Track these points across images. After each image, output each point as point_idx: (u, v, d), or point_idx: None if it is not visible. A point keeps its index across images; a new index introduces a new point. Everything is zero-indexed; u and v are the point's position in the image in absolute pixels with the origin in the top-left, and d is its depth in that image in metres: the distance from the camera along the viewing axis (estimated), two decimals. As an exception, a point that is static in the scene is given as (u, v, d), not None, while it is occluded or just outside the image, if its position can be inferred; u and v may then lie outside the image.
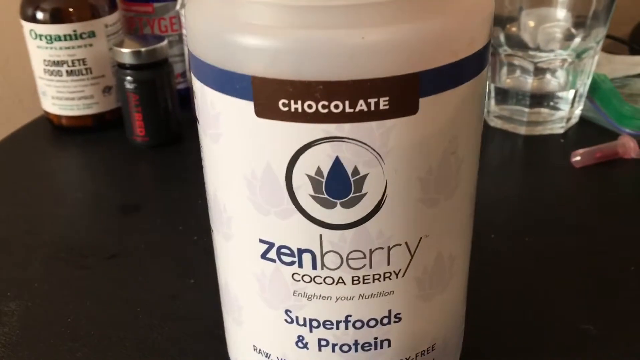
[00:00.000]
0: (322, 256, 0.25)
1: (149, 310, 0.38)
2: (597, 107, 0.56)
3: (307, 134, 0.23)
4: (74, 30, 0.54)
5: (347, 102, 0.22)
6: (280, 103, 0.23)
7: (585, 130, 0.57)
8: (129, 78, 0.53)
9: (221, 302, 0.31)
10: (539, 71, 0.54)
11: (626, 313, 0.36)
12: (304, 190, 0.24)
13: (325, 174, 0.24)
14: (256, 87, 0.23)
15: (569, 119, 0.56)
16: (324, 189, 0.24)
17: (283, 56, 0.22)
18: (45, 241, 0.45)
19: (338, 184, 0.24)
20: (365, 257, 0.25)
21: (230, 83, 0.24)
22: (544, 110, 0.56)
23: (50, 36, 0.54)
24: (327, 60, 0.22)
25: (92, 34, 0.55)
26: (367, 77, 0.22)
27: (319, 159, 0.24)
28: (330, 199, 0.24)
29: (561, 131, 0.56)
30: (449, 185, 0.25)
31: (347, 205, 0.24)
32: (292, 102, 0.23)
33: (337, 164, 0.24)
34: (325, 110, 0.23)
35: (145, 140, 0.55)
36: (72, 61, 0.55)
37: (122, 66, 0.53)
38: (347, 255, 0.25)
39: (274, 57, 0.22)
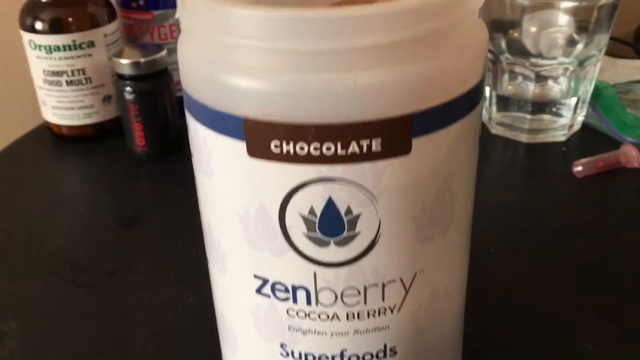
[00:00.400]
0: (317, 293, 0.25)
1: (148, 329, 0.38)
2: (600, 115, 0.56)
3: (300, 174, 0.23)
4: (73, 41, 0.54)
5: (339, 144, 0.22)
6: (272, 144, 0.23)
7: (588, 138, 0.56)
8: (128, 89, 0.53)
9: (218, 329, 0.31)
10: (541, 78, 0.54)
11: (628, 331, 0.36)
12: (297, 229, 0.24)
13: (319, 213, 0.24)
14: (248, 128, 0.23)
15: (571, 126, 0.56)
16: (317, 228, 0.24)
17: (275, 99, 0.22)
18: (45, 255, 0.45)
19: (331, 223, 0.24)
20: (359, 293, 0.25)
21: (222, 122, 0.23)
22: (546, 117, 0.55)
23: (50, 47, 0.54)
24: (318, 103, 0.22)
25: (91, 44, 0.55)
26: (360, 119, 0.22)
27: (312, 199, 0.23)
28: (324, 237, 0.24)
29: (563, 138, 0.56)
30: (443, 222, 0.25)
31: (340, 243, 0.24)
32: (284, 143, 0.23)
33: (330, 204, 0.23)
34: (317, 152, 0.22)
35: (145, 150, 0.55)
36: (72, 71, 0.55)
37: (121, 77, 0.53)
38: (342, 292, 0.25)
39: (265, 99, 0.22)
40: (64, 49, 0.54)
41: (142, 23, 0.59)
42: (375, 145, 0.22)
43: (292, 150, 0.23)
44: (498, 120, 0.57)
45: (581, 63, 0.53)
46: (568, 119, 0.55)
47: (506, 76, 0.55)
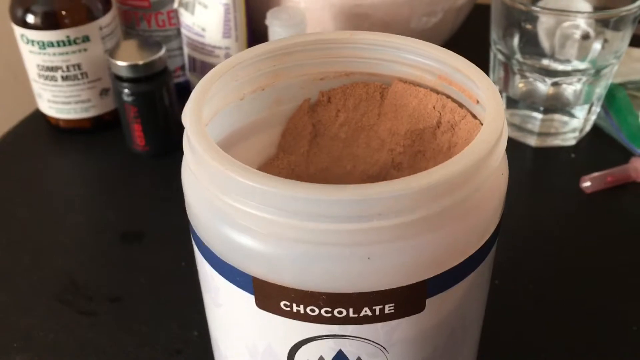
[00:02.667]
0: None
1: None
2: (612, 121, 0.54)
3: (310, 330, 0.23)
4: (67, 36, 0.51)
5: (351, 309, 0.22)
6: (281, 303, 0.22)
7: (597, 143, 0.55)
8: (126, 90, 0.51)
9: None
10: (555, 84, 0.52)
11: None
12: (306, 371, 0.24)
13: (328, 362, 0.23)
14: (257, 286, 0.22)
15: (582, 130, 0.55)
16: (326, 373, 0.24)
17: (285, 266, 0.21)
18: (49, 278, 0.45)
19: (341, 371, 0.24)
20: None
21: (230, 273, 0.23)
22: (557, 117, 0.54)
23: (43, 42, 0.51)
24: (330, 275, 0.21)
25: (86, 39, 0.52)
26: (373, 289, 0.21)
27: (322, 350, 0.23)
28: (333, 381, 0.24)
29: (573, 142, 0.55)
30: (455, 352, 0.25)
31: (349, 386, 0.24)
32: (294, 304, 0.22)
33: (340, 355, 0.23)
34: (329, 315, 0.22)
35: (145, 150, 0.54)
36: (67, 67, 0.53)
37: (119, 78, 0.51)
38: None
39: (275, 265, 0.21)
40: (58, 45, 0.52)
41: (138, 9, 0.56)
42: (389, 308, 0.22)
43: (302, 311, 0.22)
44: (507, 119, 0.56)
45: (597, 72, 0.51)
46: (580, 122, 0.54)
47: (517, 77, 0.53)
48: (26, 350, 0.40)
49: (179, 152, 0.53)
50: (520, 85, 0.54)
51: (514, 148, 0.55)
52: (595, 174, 0.50)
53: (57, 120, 0.56)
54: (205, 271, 0.24)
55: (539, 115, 0.54)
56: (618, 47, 0.51)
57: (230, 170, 0.21)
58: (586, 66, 0.52)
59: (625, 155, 0.53)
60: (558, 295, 0.43)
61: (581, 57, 0.52)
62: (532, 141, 0.55)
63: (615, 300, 0.42)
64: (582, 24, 0.50)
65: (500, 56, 0.53)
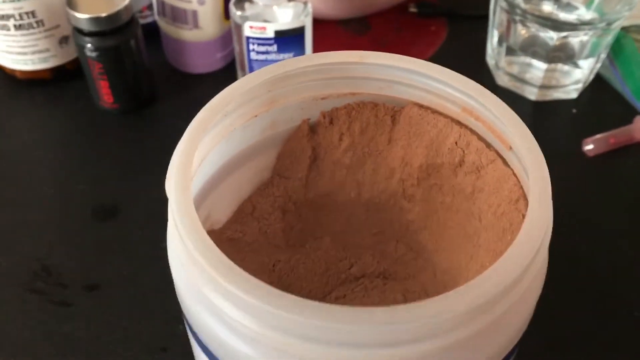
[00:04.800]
0: None
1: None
2: (617, 73, 0.50)
3: None
4: (17, -19, 0.45)
5: None
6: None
7: (600, 97, 0.52)
8: (89, 46, 0.45)
9: None
10: (563, 37, 0.48)
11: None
12: None
13: None
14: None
15: (585, 81, 0.51)
16: None
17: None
18: (18, 263, 0.41)
19: None
20: None
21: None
22: (560, 67, 0.50)
23: (-11, -12, 0.45)
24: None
25: (39, -17, 0.46)
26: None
27: None
28: None
29: (575, 95, 0.51)
30: None
31: None
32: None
33: None
34: None
35: (114, 107, 0.49)
36: (20, 14, 0.47)
37: (79, 31, 0.45)
38: None
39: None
40: (8, -8, 0.45)
41: (97, -57, 0.49)
42: None
43: None
44: (506, 69, 0.52)
45: (609, 24, 0.47)
46: (584, 73, 0.50)
47: (519, 26, 0.49)
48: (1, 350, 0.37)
49: (151, 109, 0.48)
50: (523, 32, 0.50)
51: (513, 102, 0.51)
52: (598, 136, 0.47)
53: (13, 71, 0.51)
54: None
55: (542, 66, 0.50)
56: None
57: (230, 284, 0.17)
58: (592, 16, 0.48)
59: (628, 110, 0.50)
60: (558, 272, 0.41)
61: (587, 4, 0.47)
62: (533, 95, 0.51)
63: (622, 279, 0.40)
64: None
65: (502, 2, 0.49)
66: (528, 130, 0.21)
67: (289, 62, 0.23)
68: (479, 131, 0.24)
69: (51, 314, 0.39)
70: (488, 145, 0.24)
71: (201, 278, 0.18)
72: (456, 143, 0.24)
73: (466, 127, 0.24)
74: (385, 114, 0.25)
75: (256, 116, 0.25)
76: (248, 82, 0.23)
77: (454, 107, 0.24)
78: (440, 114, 0.25)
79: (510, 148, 0.22)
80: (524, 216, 0.21)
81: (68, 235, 0.43)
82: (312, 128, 0.26)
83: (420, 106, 0.25)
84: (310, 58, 0.24)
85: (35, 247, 0.42)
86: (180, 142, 0.21)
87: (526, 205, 0.21)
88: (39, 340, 0.38)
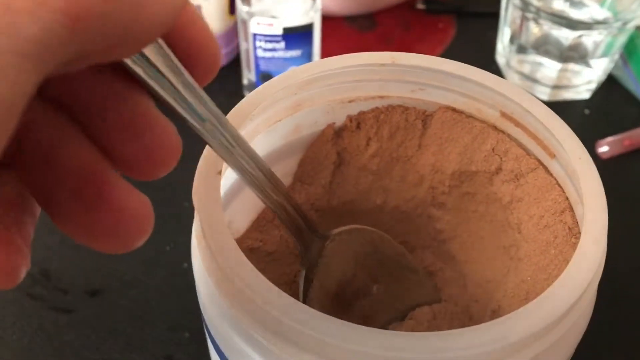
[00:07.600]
0: None
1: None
2: (630, 73, 0.49)
3: None
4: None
5: None
6: None
7: (613, 98, 0.51)
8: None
9: None
10: (578, 37, 0.47)
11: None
12: None
13: None
14: None
15: (598, 81, 0.50)
16: None
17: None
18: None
19: None
20: None
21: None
22: (571, 67, 0.49)
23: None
24: None
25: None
26: None
27: None
28: None
29: (587, 95, 0.50)
30: None
31: None
32: None
33: None
34: None
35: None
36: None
37: None
38: None
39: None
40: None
41: None
42: None
43: None
44: (517, 68, 0.50)
45: (624, 24, 0.46)
46: (597, 73, 0.49)
47: (531, 23, 0.48)
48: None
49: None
50: (535, 30, 0.48)
51: (524, 102, 0.50)
52: (611, 138, 0.46)
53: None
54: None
55: (555, 65, 0.49)
56: (649, -3, 0.45)
57: (272, 308, 0.16)
58: (605, 14, 0.47)
59: (640, 111, 0.49)
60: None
61: (601, 2, 0.46)
62: (545, 95, 0.50)
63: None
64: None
65: (515, 0, 0.47)
66: (576, 137, 0.20)
67: (318, 64, 0.22)
68: (518, 136, 0.22)
69: (51, 320, 0.38)
70: (528, 152, 0.22)
71: (245, 320, 0.17)
72: (493, 150, 0.23)
73: (504, 132, 0.23)
74: (415, 118, 0.24)
75: (280, 120, 0.23)
76: (276, 84, 0.21)
77: (492, 110, 0.23)
78: (476, 118, 0.23)
79: (554, 156, 0.21)
80: (570, 229, 0.20)
81: (68, 238, 0.42)
82: (338, 132, 0.25)
83: (454, 110, 0.23)
84: (341, 59, 0.22)
85: (34, 250, 0.41)
86: (205, 150, 0.20)
87: (572, 217, 0.20)
88: (39, 348, 0.36)
